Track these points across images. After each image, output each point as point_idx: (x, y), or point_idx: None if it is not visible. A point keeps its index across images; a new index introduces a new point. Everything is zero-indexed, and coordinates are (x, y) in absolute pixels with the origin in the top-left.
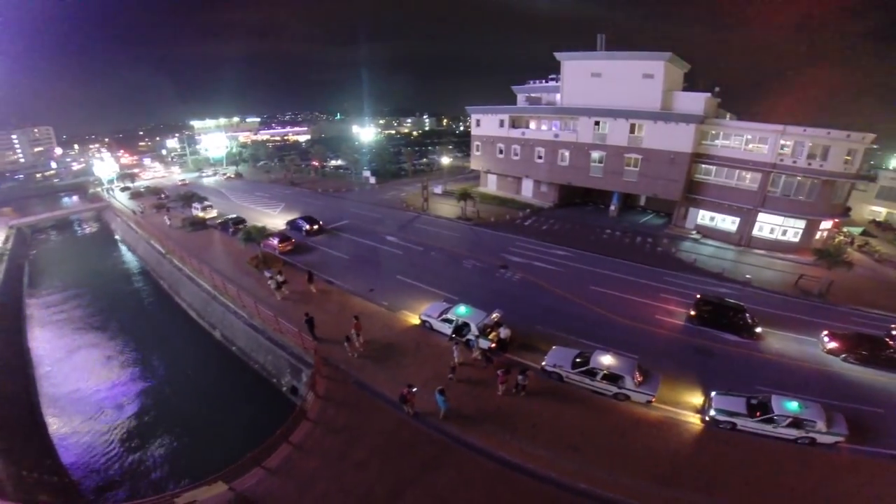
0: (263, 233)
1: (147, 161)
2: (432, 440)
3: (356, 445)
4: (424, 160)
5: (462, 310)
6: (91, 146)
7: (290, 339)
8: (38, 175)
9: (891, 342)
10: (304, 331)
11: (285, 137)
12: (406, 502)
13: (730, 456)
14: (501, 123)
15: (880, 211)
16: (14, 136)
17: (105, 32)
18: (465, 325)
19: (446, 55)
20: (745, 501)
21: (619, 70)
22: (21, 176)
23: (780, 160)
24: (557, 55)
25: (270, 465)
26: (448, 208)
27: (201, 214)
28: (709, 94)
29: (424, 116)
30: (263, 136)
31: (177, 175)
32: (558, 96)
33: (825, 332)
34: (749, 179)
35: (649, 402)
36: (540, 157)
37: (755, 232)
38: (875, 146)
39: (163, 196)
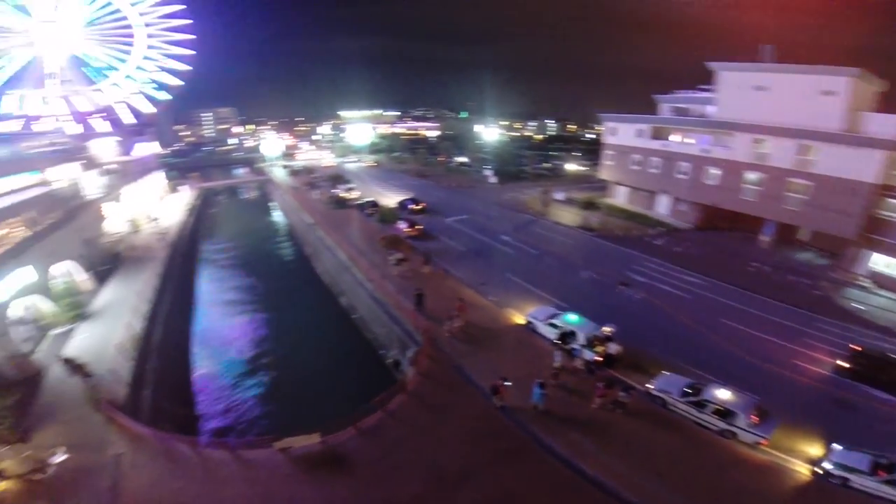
0: (395, 217)
1: (303, 144)
2: (513, 434)
3: (443, 423)
4: (547, 165)
5: (572, 318)
6: (261, 127)
7: (406, 316)
8: (219, 148)
9: None
10: (414, 304)
11: (417, 132)
12: (474, 484)
13: None
14: (640, 133)
15: None
16: (208, 115)
17: (274, 25)
18: (572, 333)
19: (575, 59)
20: None
21: (790, 85)
22: (209, 148)
23: None
24: (712, 65)
25: (363, 426)
26: (569, 216)
27: (343, 195)
28: None
29: (549, 120)
30: (399, 129)
31: (325, 159)
32: (709, 108)
33: None
34: None
35: (759, 444)
36: (682, 173)
37: None
38: None
39: (314, 175)
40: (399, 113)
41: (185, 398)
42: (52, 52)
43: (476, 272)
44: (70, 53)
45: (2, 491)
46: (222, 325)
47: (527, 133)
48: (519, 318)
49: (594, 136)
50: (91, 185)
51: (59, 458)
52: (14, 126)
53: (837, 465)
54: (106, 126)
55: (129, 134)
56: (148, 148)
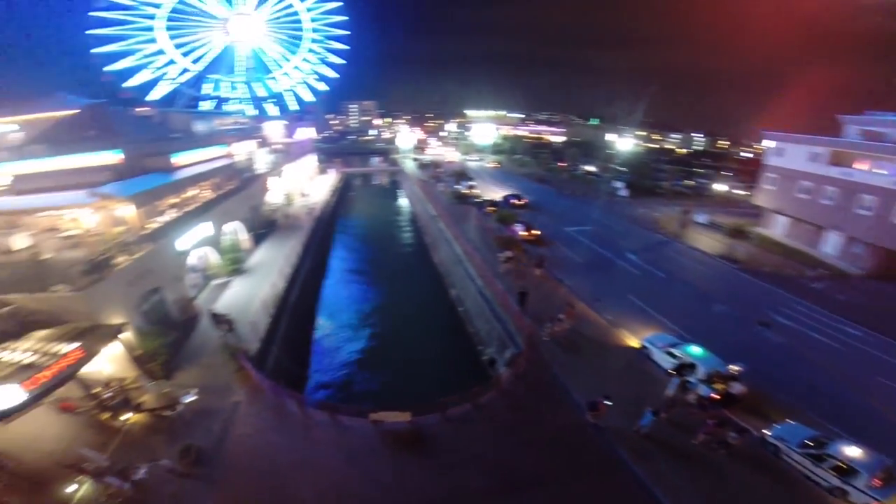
0: (514, 218)
1: (432, 140)
2: (598, 452)
3: (527, 427)
4: (689, 182)
5: (695, 350)
6: (396, 121)
7: (511, 317)
8: (361, 138)
9: None
10: (516, 301)
11: (540, 136)
12: (543, 491)
13: None
14: (814, 157)
15: None
16: (354, 106)
17: (416, 24)
18: (692, 366)
19: (735, 68)
20: None
21: None
22: (352, 136)
23: None
24: None
25: (450, 414)
26: (709, 242)
27: (465, 191)
28: None
29: (696, 134)
30: (522, 131)
31: (451, 155)
32: None
33: None
34: None
35: None
36: (864, 209)
37: None
38: None
39: (440, 170)
40: (523, 115)
41: (303, 358)
42: (243, 42)
43: (592, 286)
44: (253, 45)
45: (133, 422)
46: (345, 294)
47: (668, 145)
48: (632, 341)
49: (751, 156)
50: (262, 160)
51: (189, 398)
52: (208, 105)
53: (776, 436)
54: (275, 111)
55: (293, 119)
56: (306, 133)
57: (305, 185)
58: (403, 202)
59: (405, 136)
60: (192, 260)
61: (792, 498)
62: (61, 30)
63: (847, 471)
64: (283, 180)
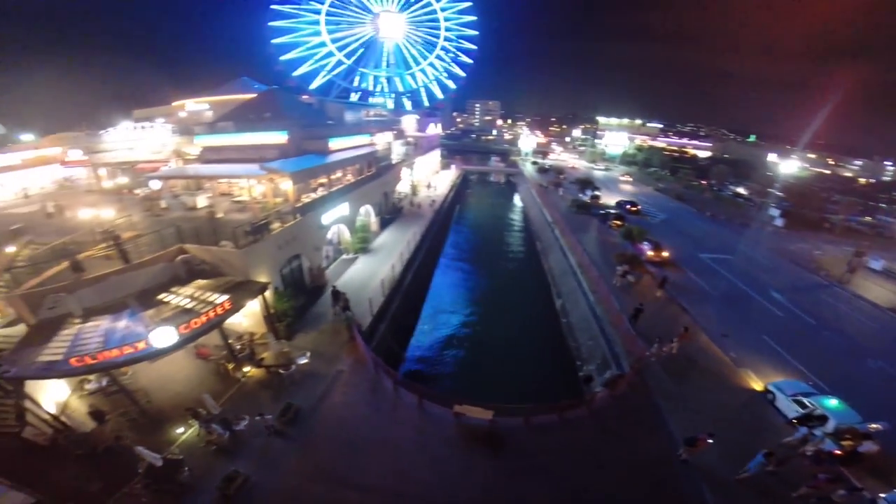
0: (643, 235)
1: (554, 145)
2: (679, 489)
3: (610, 451)
4: (867, 219)
5: (831, 402)
6: (517, 123)
7: (620, 337)
8: (483, 137)
9: None
10: (629, 316)
11: (683, 150)
12: None
13: None
14: None
15: None
16: (478, 106)
17: (546, 25)
18: (821, 418)
19: None
20: None
21: None
22: (474, 135)
23: None
24: None
25: (533, 421)
26: (881, 293)
27: (588, 201)
28: None
29: (887, 162)
30: (661, 143)
31: (574, 162)
32: None
33: None
34: None
35: None
36: None
37: None
38: None
39: (561, 176)
40: (662, 125)
41: (404, 339)
42: (389, 39)
43: (720, 320)
44: (397, 42)
45: (250, 375)
46: (451, 285)
47: (846, 173)
48: (755, 384)
49: None
50: (397, 151)
51: (303, 360)
52: (355, 97)
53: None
54: (409, 105)
55: (424, 115)
56: (435, 128)
57: (431, 177)
58: (518, 204)
59: (526, 138)
60: (329, 234)
61: None
62: (249, 20)
63: None
64: (412, 172)
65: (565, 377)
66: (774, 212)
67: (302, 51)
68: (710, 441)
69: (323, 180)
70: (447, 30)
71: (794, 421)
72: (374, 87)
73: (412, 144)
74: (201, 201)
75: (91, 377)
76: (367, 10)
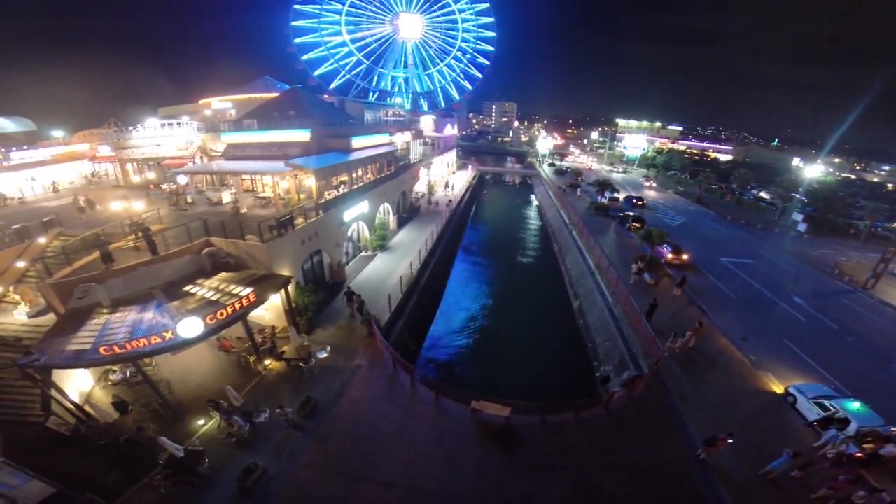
0: (662, 238)
1: (571, 146)
2: (695, 488)
3: (625, 450)
4: (894, 225)
5: (854, 405)
6: (534, 124)
7: (639, 339)
8: (499, 138)
9: None
10: (644, 312)
11: (704, 153)
12: None
13: None
14: None
15: None
16: (494, 107)
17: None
18: (843, 421)
19: None
20: None
21: None
22: (490, 136)
23: None
24: None
25: (549, 420)
26: None
27: (607, 203)
28: None
29: None
30: (681, 146)
31: (592, 163)
32: None
33: None
34: None
35: None
36: None
37: None
38: None
39: (579, 178)
40: (682, 128)
41: (420, 336)
42: (408, 39)
43: (741, 324)
44: (416, 42)
45: (271, 368)
46: (467, 283)
47: (873, 178)
48: (776, 387)
49: None
50: (415, 151)
51: (323, 354)
52: (373, 97)
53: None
54: (426, 106)
55: (441, 115)
56: (452, 129)
57: (447, 177)
58: (534, 205)
59: (544, 140)
60: (349, 231)
61: None
62: (272, 20)
63: None
64: (430, 171)
65: (581, 377)
66: (797, 217)
67: (322, 50)
68: (730, 441)
69: (344, 178)
70: (465, 31)
71: (815, 423)
72: (392, 87)
73: (429, 144)
74: (225, 197)
75: (116, 367)
76: (388, 9)
